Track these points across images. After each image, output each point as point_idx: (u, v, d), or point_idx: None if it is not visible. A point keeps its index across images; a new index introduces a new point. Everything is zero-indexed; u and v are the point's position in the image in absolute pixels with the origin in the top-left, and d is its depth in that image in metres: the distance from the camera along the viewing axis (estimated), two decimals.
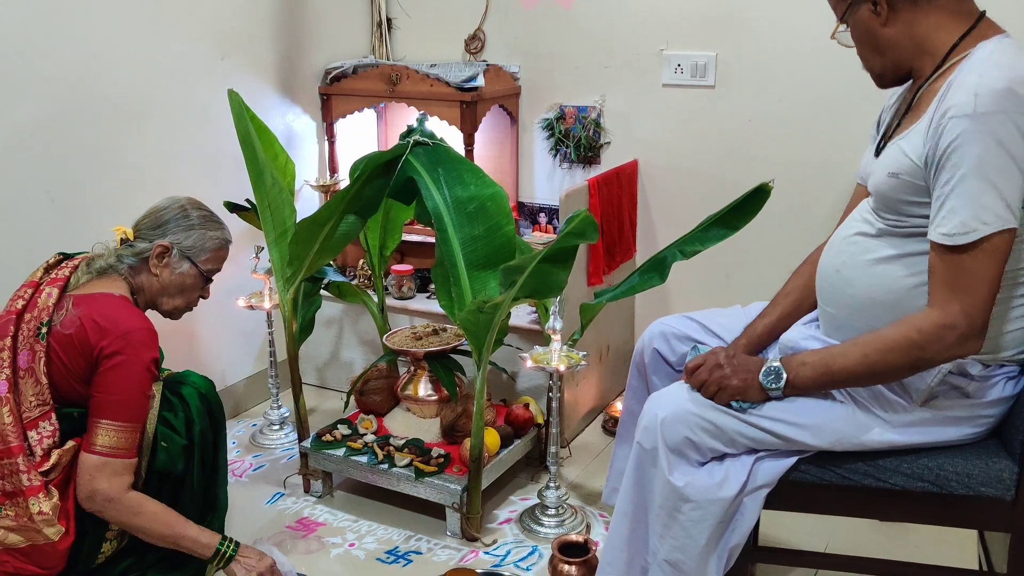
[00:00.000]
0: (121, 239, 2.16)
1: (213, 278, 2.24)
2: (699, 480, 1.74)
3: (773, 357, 1.79)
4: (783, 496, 1.79)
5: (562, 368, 2.36)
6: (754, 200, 2.16)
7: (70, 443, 1.99)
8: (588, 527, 2.22)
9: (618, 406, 3.07)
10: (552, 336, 2.38)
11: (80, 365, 1.98)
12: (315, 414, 3.21)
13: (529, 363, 2.38)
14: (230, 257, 2.96)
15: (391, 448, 2.56)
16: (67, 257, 2.16)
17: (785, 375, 1.74)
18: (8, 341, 1.97)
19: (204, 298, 2.27)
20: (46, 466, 1.94)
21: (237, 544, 2.08)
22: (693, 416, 1.75)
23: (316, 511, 2.61)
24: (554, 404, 2.46)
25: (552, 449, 2.48)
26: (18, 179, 2.43)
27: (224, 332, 3.12)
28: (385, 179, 2.48)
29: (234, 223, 2.85)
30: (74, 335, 1.97)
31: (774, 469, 1.76)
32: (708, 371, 1.78)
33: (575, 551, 2.20)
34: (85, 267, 2.10)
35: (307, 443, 2.65)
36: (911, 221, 1.66)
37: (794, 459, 1.76)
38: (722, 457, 1.77)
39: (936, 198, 1.58)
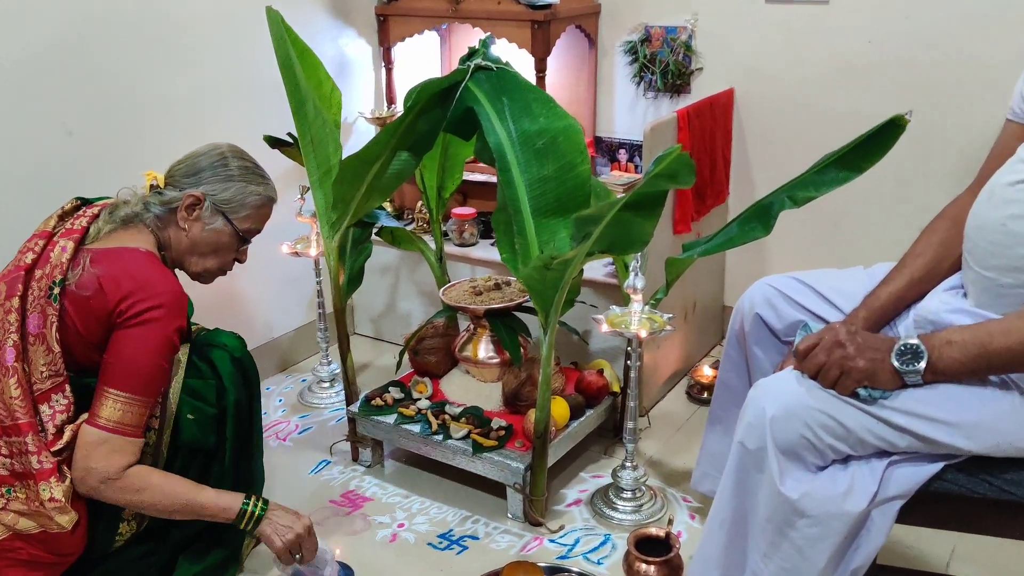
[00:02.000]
0: (151, 185, 1.87)
1: (251, 239, 1.94)
2: (818, 490, 1.39)
3: (908, 333, 1.43)
4: (920, 509, 1.44)
5: (643, 334, 2.02)
6: (884, 137, 1.75)
7: (85, 415, 1.73)
8: (670, 520, 1.89)
9: (705, 370, 2.71)
10: (632, 296, 2.04)
11: (99, 333, 1.72)
12: (368, 370, 2.94)
13: (604, 327, 2.04)
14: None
15: (446, 417, 2.26)
16: (86, 203, 1.89)
17: (926, 355, 1.37)
18: (16, 302, 1.71)
19: (240, 261, 1.98)
20: (59, 444, 1.69)
21: (266, 502, 1.83)
22: (811, 411, 1.40)
23: (364, 483, 2.34)
24: (632, 374, 2.12)
25: (629, 424, 2.15)
26: (30, 108, 2.15)
27: (270, 279, 2.85)
28: (442, 110, 2.14)
29: (277, 161, 2.57)
30: (92, 297, 1.70)
31: (913, 477, 1.41)
32: (826, 351, 1.43)
33: (655, 547, 1.88)
34: (107, 215, 1.83)
35: (355, 407, 2.37)
36: None
37: (940, 465, 1.41)
38: (846, 460, 1.42)
39: None
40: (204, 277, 1.95)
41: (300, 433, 2.59)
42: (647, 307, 2.10)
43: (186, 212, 1.84)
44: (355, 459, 2.43)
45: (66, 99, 2.22)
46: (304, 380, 2.87)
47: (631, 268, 2.00)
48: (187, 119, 2.46)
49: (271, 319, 2.90)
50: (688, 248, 2.08)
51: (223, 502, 1.79)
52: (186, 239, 1.86)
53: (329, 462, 2.44)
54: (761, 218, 1.90)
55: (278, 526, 1.82)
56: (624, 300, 2.10)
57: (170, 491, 1.75)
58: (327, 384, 2.77)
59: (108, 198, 1.89)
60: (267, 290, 2.85)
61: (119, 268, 1.73)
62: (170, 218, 1.85)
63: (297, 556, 1.83)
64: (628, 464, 2.19)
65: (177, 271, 1.91)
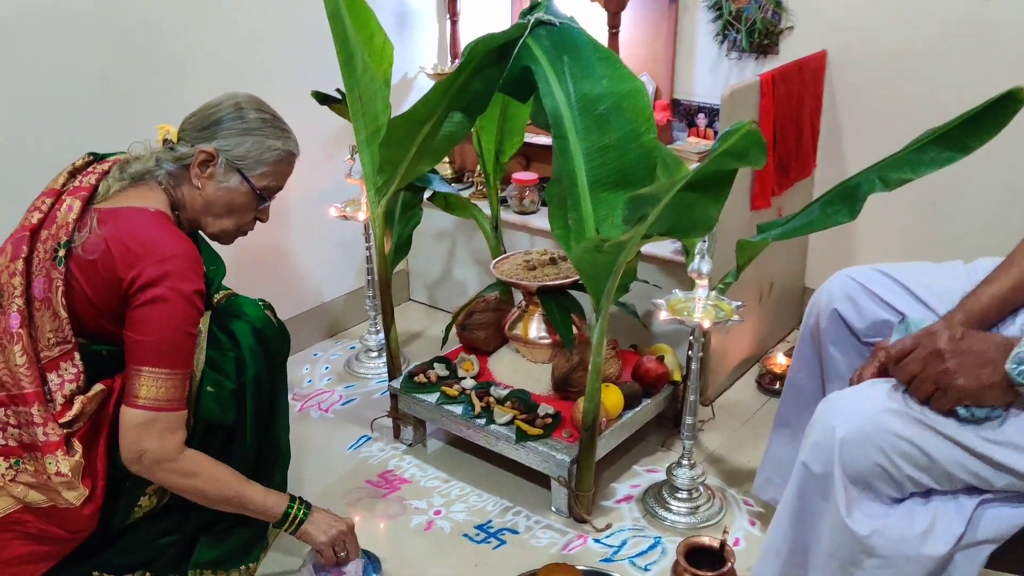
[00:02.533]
0: (164, 140, 1.74)
1: (271, 198, 1.80)
2: (892, 527, 1.20)
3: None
4: (1015, 554, 1.22)
5: (706, 324, 1.82)
6: (998, 112, 1.50)
7: (97, 387, 1.63)
8: (725, 530, 1.71)
9: (779, 358, 2.50)
10: (696, 281, 1.84)
11: (108, 299, 1.60)
12: (418, 340, 2.81)
13: (664, 313, 1.86)
14: (327, 156, 2.54)
15: (491, 399, 2.11)
16: (98, 159, 1.77)
17: None
18: (20, 264, 1.60)
19: (262, 221, 1.84)
20: (68, 416, 1.59)
21: (309, 506, 1.74)
22: (889, 436, 1.20)
23: (403, 463, 2.22)
24: (694, 366, 1.93)
25: (688, 420, 1.97)
26: (66, 57, 2.05)
27: (321, 242, 2.73)
28: (498, 68, 1.95)
29: (326, 118, 2.43)
30: (98, 261, 1.58)
31: (1010, 520, 1.20)
32: (921, 362, 1.22)
33: (707, 559, 1.70)
34: (117, 172, 1.70)
35: (398, 383, 2.24)
36: None
37: None
38: (927, 493, 1.22)
39: None
40: (222, 238, 1.82)
41: (343, 404, 2.48)
42: (714, 293, 1.90)
43: (199, 169, 1.70)
44: (396, 436, 2.30)
45: (103, 47, 2.11)
46: (353, 347, 2.76)
47: (697, 250, 1.81)
48: (230, 70, 2.33)
49: (321, 283, 2.78)
50: (763, 230, 1.88)
51: (269, 501, 1.71)
52: (200, 198, 1.73)
53: (369, 438, 2.32)
54: (847, 200, 1.68)
55: (321, 524, 1.75)
56: (689, 284, 1.91)
57: (221, 480, 1.67)
58: (375, 354, 2.65)
59: (123, 153, 1.77)
60: (318, 253, 2.74)
61: (126, 230, 1.60)
62: (183, 175, 1.72)
63: (343, 554, 1.75)
64: (685, 462, 2.01)
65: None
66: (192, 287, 1.61)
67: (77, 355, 1.62)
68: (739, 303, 1.89)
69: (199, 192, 1.72)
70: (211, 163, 1.69)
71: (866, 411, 1.23)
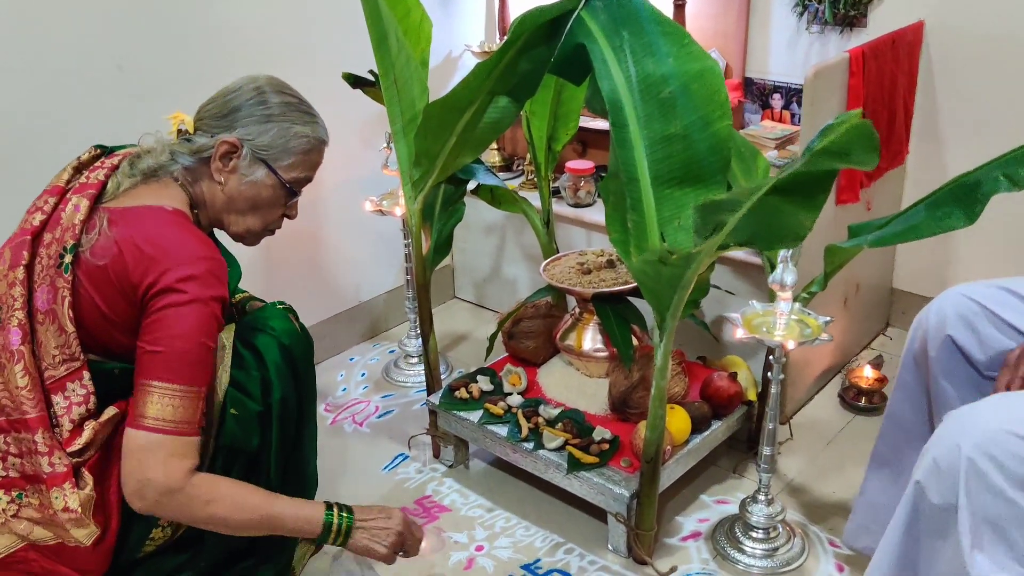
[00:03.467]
0: (178, 130, 1.54)
1: (300, 191, 1.58)
2: None
3: None
4: None
5: (791, 345, 1.56)
6: None
7: (110, 411, 1.44)
8: (805, 570, 1.46)
9: (866, 371, 2.23)
10: (779, 293, 1.58)
11: (123, 309, 1.41)
12: (464, 344, 2.59)
13: (740, 331, 1.60)
14: (363, 142, 2.32)
15: (540, 420, 1.89)
16: (106, 153, 1.57)
17: None
18: (21, 272, 1.41)
19: (290, 218, 1.63)
20: (77, 443, 1.40)
21: (350, 509, 1.51)
22: None
23: (443, 487, 2.00)
24: (773, 389, 1.67)
25: (766, 451, 1.71)
26: (79, 41, 1.85)
27: (358, 236, 2.52)
28: (548, 47, 1.70)
29: (360, 103, 2.20)
30: (109, 267, 1.39)
31: None
32: None
33: None
34: (128, 168, 1.50)
35: (437, 397, 2.02)
36: None
37: None
38: None
39: None
40: (247, 239, 1.61)
41: (379, 417, 2.27)
42: (797, 305, 1.64)
43: (220, 162, 1.50)
44: (436, 456, 2.09)
45: (117, 29, 1.91)
46: (392, 351, 2.55)
47: (780, 258, 1.54)
48: (256, 52, 2.12)
49: (359, 281, 2.57)
50: (856, 233, 1.61)
51: (304, 513, 1.48)
52: (222, 194, 1.53)
53: (407, 456, 2.11)
54: (962, 202, 1.41)
55: (375, 531, 1.52)
56: (773, 298, 1.65)
57: (243, 502, 1.44)
58: (415, 360, 2.43)
59: (132, 146, 1.57)
60: (356, 249, 2.53)
61: (141, 232, 1.41)
62: (202, 169, 1.52)
63: (401, 554, 1.56)
64: (761, 497, 1.76)
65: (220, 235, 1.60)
66: (213, 293, 1.41)
67: (86, 374, 1.43)
68: (827, 318, 1.62)
69: (221, 187, 1.52)
70: (234, 155, 1.49)
71: (1004, 431, 0.96)
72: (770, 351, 1.71)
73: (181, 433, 1.39)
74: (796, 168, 1.14)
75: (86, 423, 1.42)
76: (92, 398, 1.43)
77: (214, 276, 1.42)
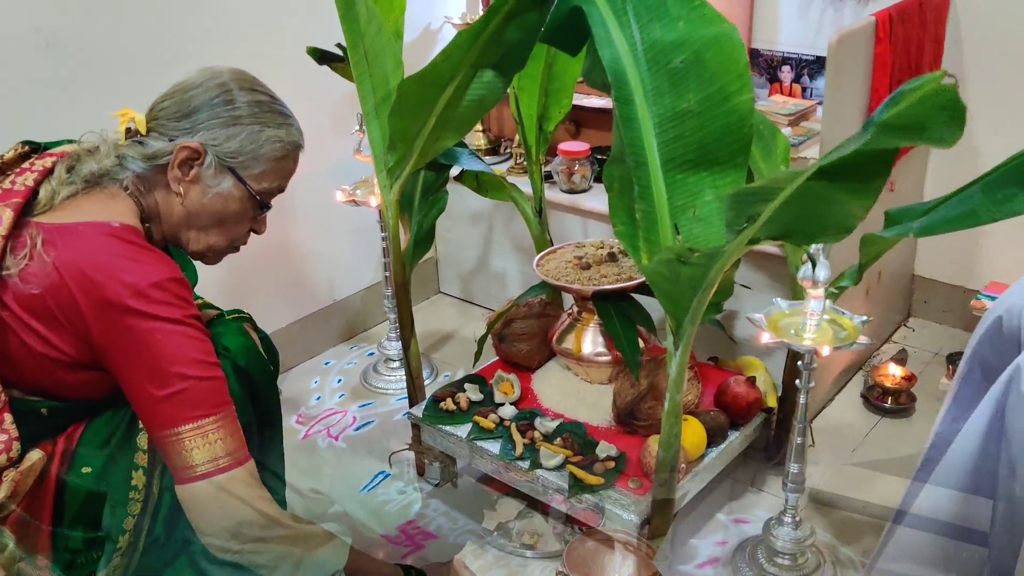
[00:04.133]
0: (127, 129, 1.30)
1: (270, 203, 1.36)
2: None
3: None
4: None
5: (825, 351, 1.36)
6: None
7: (33, 455, 1.23)
8: None
9: (891, 369, 2.03)
10: (809, 291, 1.37)
11: (70, 343, 1.19)
12: (450, 343, 2.38)
13: (765, 335, 1.40)
14: (336, 125, 2.10)
15: (536, 435, 1.68)
16: (36, 151, 1.34)
17: None
18: None
19: (257, 233, 1.41)
20: None
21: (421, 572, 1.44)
22: None
23: (429, 510, 1.80)
24: (801, 399, 1.47)
25: (793, 469, 1.51)
26: None
27: (333, 229, 2.30)
28: (539, 12, 1.48)
29: (329, 81, 1.98)
30: (48, 296, 1.16)
31: None
32: None
33: None
34: (65, 172, 1.26)
35: (420, 409, 1.81)
36: None
37: None
38: None
39: None
40: (208, 257, 1.39)
41: (357, 429, 2.06)
42: (828, 303, 1.44)
43: (180, 171, 1.27)
44: (421, 474, 1.89)
45: None
46: (371, 354, 2.33)
47: (812, 251, 1.34)
48: (211, 25, 1.89)
49: (333, 278, 2.36)
50: (896, 219, 1.39)
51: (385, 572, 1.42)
52: (180, 207, 1.30)
53: (387, 475, 1.91)
54: None
55: None
56: (795, 292, 1.44)
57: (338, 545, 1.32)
58: (395, 364, 2.22)
59: (70, 142, 1.34)
60: (329, 243, 2.31)
61: (86, 256, 1.18)
62: (156, 178, 1.29)
63: None
64: (788, 519, 1.56)
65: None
66: (190, 312, 1.21)
67: (7, 416, 1.21)
68: (864, 317, 1.42)
69: (179, 199, 1.29)
70: (196, 162, 1.27)
71: None
72: (797, 356, 1.51)
73: (241, 462, 1.21)
74: (857, 146, 0.93)
75: (4, 473, 1.20)
76: (14, 444, 1.21)
77: (180, 299, 1.20)
